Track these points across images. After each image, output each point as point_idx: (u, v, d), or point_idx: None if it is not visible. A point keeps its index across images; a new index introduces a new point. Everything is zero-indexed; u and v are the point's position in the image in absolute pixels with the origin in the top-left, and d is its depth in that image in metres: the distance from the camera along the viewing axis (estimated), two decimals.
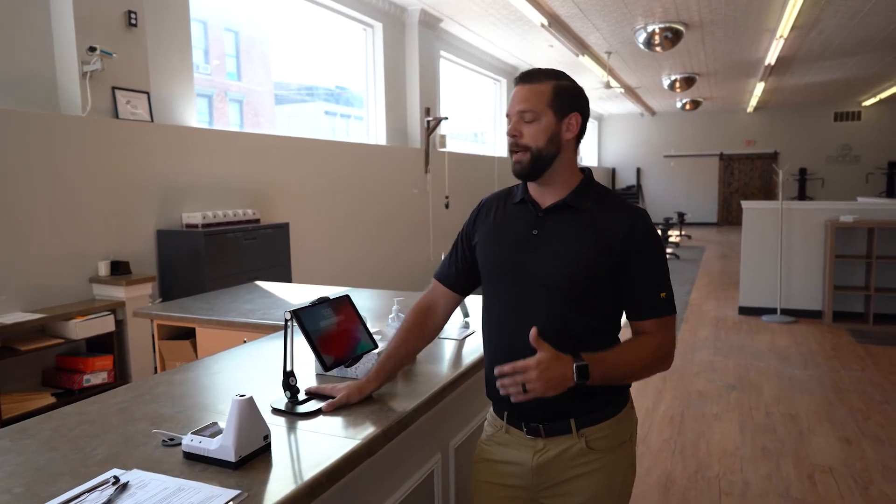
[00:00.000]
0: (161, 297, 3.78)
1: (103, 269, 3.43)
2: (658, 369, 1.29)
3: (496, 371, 1.16)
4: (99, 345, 3.31)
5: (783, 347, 4.90)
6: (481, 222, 1.40)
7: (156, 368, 2.73)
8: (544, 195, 1.31)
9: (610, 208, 1.28)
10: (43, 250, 3.20)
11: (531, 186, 1.34)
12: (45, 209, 3.21)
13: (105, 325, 3.24)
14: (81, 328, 3.12)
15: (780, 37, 7.80)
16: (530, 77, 1.27)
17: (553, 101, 1.25)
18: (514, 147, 1.26)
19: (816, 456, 3.00)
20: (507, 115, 1.29)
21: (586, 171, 1.34)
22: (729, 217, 16.73)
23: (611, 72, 10.31)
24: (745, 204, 6.09)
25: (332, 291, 2.87)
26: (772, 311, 5.92)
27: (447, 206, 7.62)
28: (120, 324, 3.35)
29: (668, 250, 10.77)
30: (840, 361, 4.51)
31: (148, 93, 3.79)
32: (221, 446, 1.07)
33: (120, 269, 3.47)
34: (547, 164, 1.26)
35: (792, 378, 4.16)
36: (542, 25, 7.15)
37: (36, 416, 1.34)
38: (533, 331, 1.15)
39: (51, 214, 3.23)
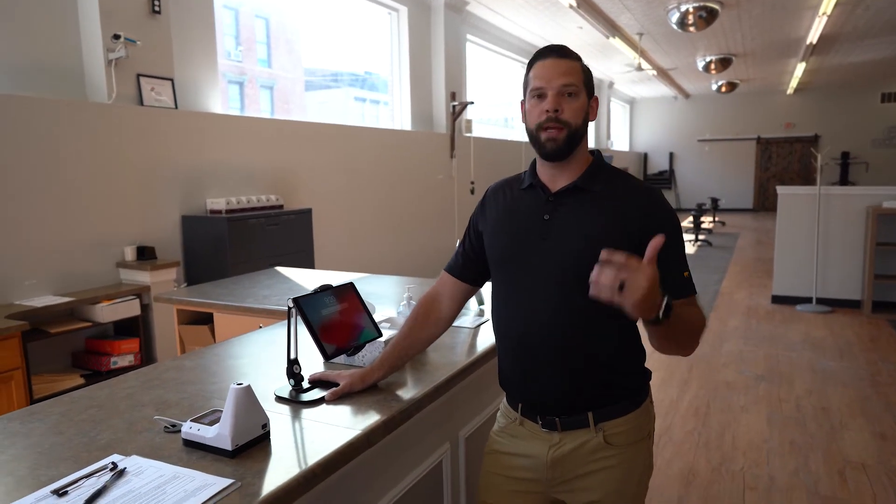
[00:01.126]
0: (186, 282, 3.85)
1: (129, 254, 3.50)
2: (696, 340, 1.20)
3: (603, 256, 1.00)
4: (126, 328, 3.39)
5: (818, 338, 4.73)
6: (488, 210, 1.36)
7: (179, 353, 2.77)
8: (556, 178, 1.26)
9: (622, 189, 1.24)
10: (71, 236, 3.28)
11: (542, 170, 1.29)
12: (73, 195, 3.28)
13: (131, 308, 3.31)
14: (108, 312, 3.20)
15: (823, 14, 7.46)
16: (564, 52, 1.22)
17: (586, 81, 1.24)
18: (553, 123, 1.18)
19: (849, 451, 2.89)
20: (539, 89, 1.20)
21: (595, 153, 1.30)
22: (765, 203, 16.22)
23: (642, 54, 10.03)
24: (780, 189, 5.87)
25: (352, 277, 2.87)
26: (807, 300, 5.72)
27: (472, 192, 7.56)
28: (145, 308, 3.42)
29: (701, 237, 10.51)
30: (879, 353, 4.33)
31: (172, 79, 3.83)
32: (218, 434, 1.07)
33: (146, 255, 3.54)
34: (577, 144, 1.23)
35: (826, 370, 4.02)
36: (571, 6, 6.98)
37: (47, 400, 1.37)
38: (657, 239, 1.01)
39: (78, 200, 3.30)
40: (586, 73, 1.25)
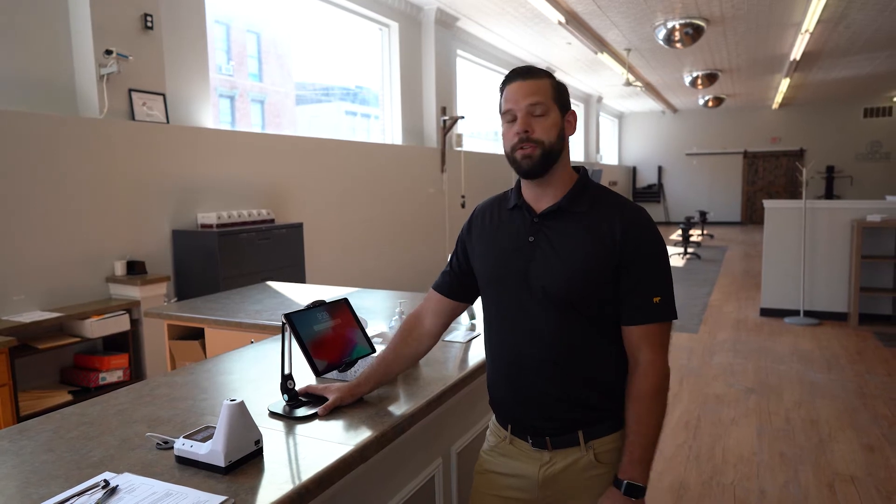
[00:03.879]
0: (176, 297, 3.83)
1: (119, 268, 3.48)
2: (666, 398, 1.23)
3: None
4: (115, 343, 3.37)
5: (806, 350, 4.78)
6: (476, 230, 1.36)
7: (169, 368, 2.75)
8: (540, 198, 1.27)
9: (605, 209, 1.23)
10: (61, 250, 3.26)
11: (526, 190, 1.29)
12: (63, 210, 3.26)
13: (120, 324, 3.29)
14: (97, 327, 3.17)
15: (806, 31, 7.62)
16: (528, 73, 1.22)
17: (556, 97, 1.22)
18: (525, 143, 1.20)
19: (838, 464, 2.91)
20: (509, 112, 1.22)
21: (581, 171, 1.30)
22: (753, 216, 16.42)
23: (630, 69, 10.18)
24: (767, 203, 5.96)
25: (344, 292, 2.87)
26: (794, 312, 5.78)
27: (463, 206, 7.60)
28: (135, 323, 3.39)
29: (690, 250, 10.60)
30: (865, 365, 4.38)
31: (164, 94, 3.84)
32: (211, 451, 1.07)
33: (136, 269, 3.52)
34: (554, 161, 1.22)
35: (814, 382, 4.05)
36: (560, 23, 7.08)
37: (37, 417, 1.36)
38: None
39: (68, 215, 3.29)
40: (557, 89, 1.23)
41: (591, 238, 1.21)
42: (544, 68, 1.28)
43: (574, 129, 1.26)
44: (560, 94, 1.24)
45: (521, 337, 1.25)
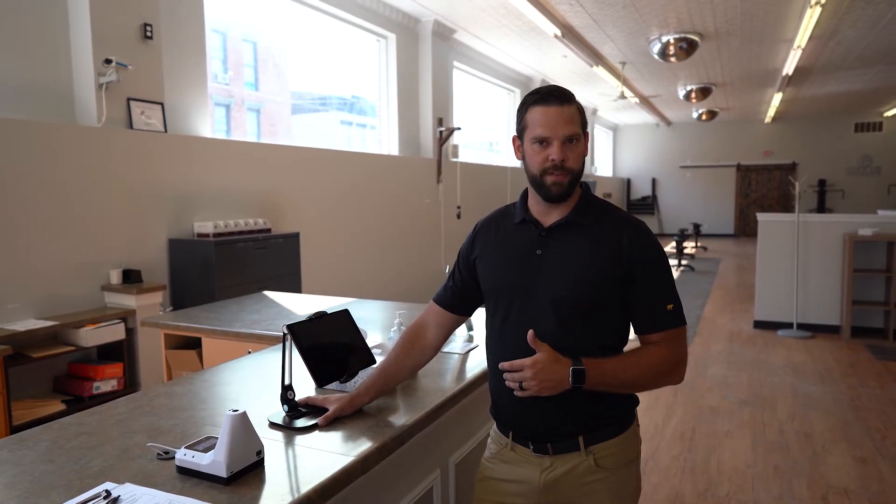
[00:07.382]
0: (172, 306, 3.82)
1: (115, 277, 3.47)
2: (666, 382, 1.28)
3: (500, 365, 1.22)
4: (110, 352, 3.35)
5: (799, 363, 4.80)
6: (480, 245, 1.38)
7: (166, 378, 2.74)
8: (549, 213, 1.30)
9: (611, 222, 1.28)
10: (56, 258, 3.25)
11: (534, 206, 1.32)
12: (60, 218, 3.26)
13: (115, 333, 3.27)
14: (92, 336, 3.16)
15: (798, 47, 7.72)
16: (564, 98, 1.24)
17: (583, 123, 1.27)
18: (559, 171, 1.22)
19: (831, 476, 2.92)
20: (544, 138, 1.22)
21: (584, 186, 1.34)
22: (746, 228, 16.52)
23: (625, 82, 10.27)
24: (760, 216, 6.01)
25: (341, 302, 2.87)
26: (788, 325, 5.81)
27: (459, 217, 7.62)
28: (130, 332, 3.38)
29: (683, 262, 10.65)
30: (858, 378, 4.41)
31: (162, 104, 3.85)
32: (213, 461, 1.07)
33: (131, 278, 3.51)
34: (577, 184, 1.28)
35: (807, 395, 4.07)
36: (556, 36, 7.15)
37: (35, 427, 1.35)
38: (530, 333, 1.18)
39: (65, 223, 3.28)
40: (582, 115, 1.27)
41: (598, 250, 1.25)
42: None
43: (588, 151, 1.31)
44: (584, 119, 1.28)
45: (527, 346, 1.26)
